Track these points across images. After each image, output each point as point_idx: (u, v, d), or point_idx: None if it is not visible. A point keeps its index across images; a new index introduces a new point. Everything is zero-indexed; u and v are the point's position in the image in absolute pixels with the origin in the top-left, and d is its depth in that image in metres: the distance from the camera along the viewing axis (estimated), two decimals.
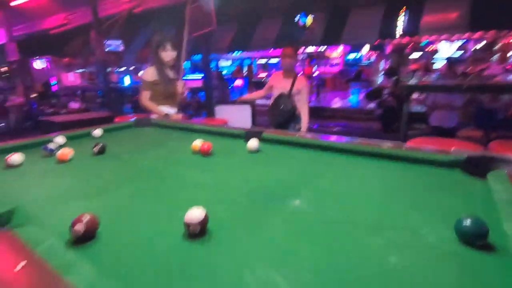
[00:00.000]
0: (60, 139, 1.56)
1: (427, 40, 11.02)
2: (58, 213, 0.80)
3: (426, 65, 11.30)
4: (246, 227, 0.72)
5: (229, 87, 12.52)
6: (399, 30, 8.30)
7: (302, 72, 9.81)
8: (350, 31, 9.07)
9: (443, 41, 10.00)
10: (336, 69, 15.41)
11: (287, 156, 1.30)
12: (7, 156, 1.23)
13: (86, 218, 0.67)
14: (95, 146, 1.40)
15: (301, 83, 2.54)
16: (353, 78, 14.78)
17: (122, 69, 15.16)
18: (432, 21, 7.93)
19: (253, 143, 1.36)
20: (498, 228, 0.62)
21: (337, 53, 16.00)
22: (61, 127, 3.41)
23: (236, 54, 13.08)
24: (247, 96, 3.54)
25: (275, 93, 2.63)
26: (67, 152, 1.30)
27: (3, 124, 5.47)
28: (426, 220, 0.72)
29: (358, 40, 9.88)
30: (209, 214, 0.70)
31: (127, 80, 10.76)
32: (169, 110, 2.41)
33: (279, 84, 2.61)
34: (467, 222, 0.61)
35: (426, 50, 12.70)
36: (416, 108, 6.64)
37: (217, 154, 1.35)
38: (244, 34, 10.92)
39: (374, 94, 7.34)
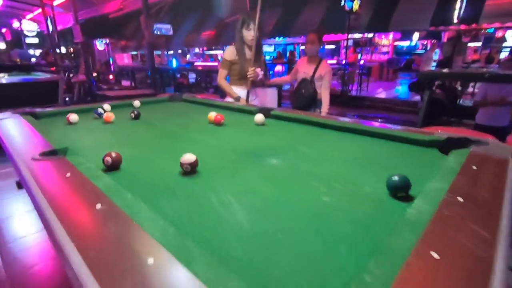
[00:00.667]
0: (106, 106, 1.91)
1: (493, 28, 9.85)
2: (97, 153, 1.09)
3: (489, 56, 10.15)
4: (226, 172, 0.94)
5: (269, 72, 12.60)
6: (456, 16, 7.56)
7: (328, 58, 9.48)
8: (400, 17, 8.50)
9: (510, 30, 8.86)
10: (384, 58, 14.57)
11: (286, 129, 1.47)
12: (67, 115, 1.59)
13: (113, 154, 0.94)
14: (132, 113, 1.71)
15: (324, 69, 2.61)
16: (403, 67, 13.85)
17: (171, 52, 16.05)
18: (496, 6, 7.09)
19: (259, 117, 1.55)
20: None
21: (387, 40, 15.07)
22: (113, 100, 3.95)
23: (279, 39, 13.03)
24: (275, 79, 3.61)
25: (299, 77, 2.75)
26: (110, 115, 1.63)
27: (68, 97, 6.33)
28: (374, 179, 0.86)
29: (408, 27, 9.20)
30: (203, 162, 0.93)
31: (173, 62, 11.43)
32: (242, 92, 2.42)
33: (302, 69, 2.72)
34: (394, 177, 0.75)
35: (494, 38, 11.38)
36: (467, 102, 6.12)
37: (228, 124, 1.57)
38: (288, 19, 10.82)
39: (418, 85, 6.92)
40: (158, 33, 9.77)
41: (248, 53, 2.38)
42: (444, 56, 9.80)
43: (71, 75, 7.78)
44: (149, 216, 0.60)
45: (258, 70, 2.36)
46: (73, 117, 1.58)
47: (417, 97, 7.81)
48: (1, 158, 3.61)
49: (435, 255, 0.46)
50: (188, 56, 18.83)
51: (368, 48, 14.81)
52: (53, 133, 1.33)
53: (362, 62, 11.91)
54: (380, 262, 0.46)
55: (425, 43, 14.64)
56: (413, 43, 15.18)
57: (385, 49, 15.18)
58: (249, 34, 2.29)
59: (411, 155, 1.07)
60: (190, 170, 0.90)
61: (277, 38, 11.86)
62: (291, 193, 0.79)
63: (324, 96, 2.64)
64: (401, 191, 0.74)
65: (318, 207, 0.71)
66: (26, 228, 2.14)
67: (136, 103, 2.06)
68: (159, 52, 15.31)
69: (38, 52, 16.24)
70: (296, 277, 0.48)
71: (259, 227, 0.63)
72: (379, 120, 6.81)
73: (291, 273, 0.49)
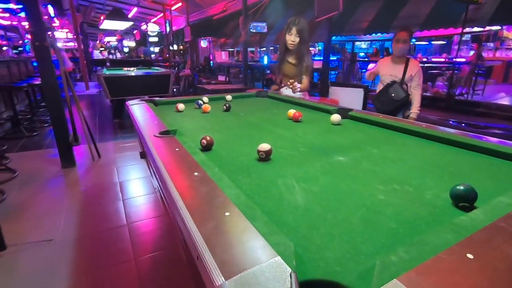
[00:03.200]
0: (205, 98, 2.27)
1: None
2: (197, 135, 1.38)
3: None
4: (294, 162, 1.07)
5: (361, 71, 11.90)
6: None
7: (468, 60, 8.21)
8: None
9: None
10: None
11: (359, 130, 1.50)
12: (176, 104, 1.99)
13: (208, 137, 1.19)
14: (224, 105, 2.01)
15: (414, 68, 2.42)
16: None
17: (263, 48, 16.83)
18: None
19: (335, 117, 1.61)
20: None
21: None
22: (209, 92, 4.53)
23: (376, 35, 12.12)
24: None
25: (384, 80, 2.61)
26: (208, 107, 1.96)
27: (176, 89, 7.48)
28: (439, 187, 0.86)
29: None
30: (276, 151, 1.09)
31: (265, 59, 11.99)
32: (285, 90, 2.65)
33: (388, 72, 2.57)
34: (460, 186, 0.75)
35: None
36: None
37: (305, 121, 1.69)
38: (388, 13, 9.93)
39: None
40: (254, 31, 10.45)
41: (289, 57, 2.50)
42: None
43: (179, 69, 9.09)
44: (228, 184, 0.79)
45: (296, 84, 2.38)
46: (181, 106, 1.98)
47: None
48: (129, 134, 4.62)
49: (470, 256, 0.50)
50: (278, 53, 19.37)
51: (489, 44, 12.33)
52: (166, 117, 1.71)
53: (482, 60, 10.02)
54: (410, 250, 0.52)
55: None
56: None
57: None
58: (289, 38, 2.38)
59: (501, 170, 0.99)
60: (265, 157, 1.07)
61: (373, 34, 11.04)
62: (348, 186, 0.87)
63: (415, 96, 2.46)
64: (463, 201, 0.73)
65: (370, 201, 0.78)
66: (140, 190, 2.75)
67: (228, 97, 2.38)
68: (252, 49, 16.27)
69: (157, 49, 19.45)
70: (333, 246, 0.59)
71: (312, 206, 0.75)
72: (497, 131, 5.70)
73: (329, 243, 0.60)
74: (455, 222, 0.61)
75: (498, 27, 11.19)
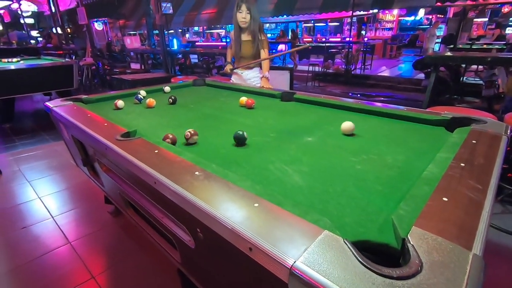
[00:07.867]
0: (143, 92, 2.10)
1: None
2: (158, 134, 1.31)
3: (500, 32, 9.93)
4: (273, 147, 1.16)
5: (271, 51, 12.51)
6: None
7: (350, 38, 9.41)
8: None
9: None
10: (388, 34, 14.41)
11: (310, 111, 1.68)
12: (115, 101, 1.79)
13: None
14: (170, 98, 1.91)
15: None
16: (407, 44, 13.73)
17: (171, 31, 15.79)
18: None
19: (347, 125, 1.73)
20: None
21: (391, 15, 14.81)
22: (130, 84, 4.11)
23: (282, 17, 12.83)
24: None
25: None
26: (152, 101, 1.83)
27: (78, 81, 6.44)
28: (393, 152, 1.08)
29: (413, 3, 9.07)
30: (251, 140, 1.15)
31: (175, 43, 11.34)
32: (245, 73, 2.70)
33: None
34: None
35: (500, 13, 11.21)
36: (470, 80, 6.24)
37: (258, 107, 1.77)
38: None
39: (422, 63, 6.98)
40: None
41: (243, 36, 2.53)
42: (449, 33, 9.74)
43: (78, 58, 7.82)
44: (235, 177, 0.82)
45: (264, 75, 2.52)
46: (121, 103, 1.79)
47: (421, 75, 7.89)
48: (30, 140, 3.85)
49: (445, 199, 0.69)
50: (187, 35, 18.51)
51: (372, 25, 14.59)
52: (110, 117, 1.54)
53: (366, 39, 11.82)
54: (408, 203, 0.69)
55: (430, 17, 14.42)
56: (418, 18, 14.97)
57: (389, 25, 14.97)
58: (240, 16, 2.39)
59: (422, 132, 1.29)
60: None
61: (279, 16, 11.67)
62: (329, 162, 1.02)
63: None
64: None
65: (353, 172, 0.94)
66: (70, 203, 2.40)
67: (167, 88, 2.25)
68: (156, 32, 15.08)
69: (34, 32, 15.95)
70: (347, 213, 0.71)
71: (312, 184, 0.86)
72: (383, 99, 6.93)
73: (343, 211, 0.72)
74: (422, 176, 0.82)
75: (376, 10, 13.30)
